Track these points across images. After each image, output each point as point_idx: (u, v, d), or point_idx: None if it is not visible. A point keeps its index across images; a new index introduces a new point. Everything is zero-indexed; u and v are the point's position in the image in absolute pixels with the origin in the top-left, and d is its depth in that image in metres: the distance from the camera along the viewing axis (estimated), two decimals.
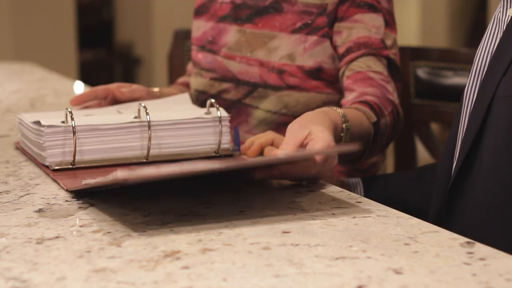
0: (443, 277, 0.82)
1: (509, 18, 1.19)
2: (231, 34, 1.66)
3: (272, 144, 1.40)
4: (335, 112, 1.36)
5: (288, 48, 1.59)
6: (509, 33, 1.16)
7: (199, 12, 1.75)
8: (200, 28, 1.73)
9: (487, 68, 1.19)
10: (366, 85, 1.53)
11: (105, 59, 5.61)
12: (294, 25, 1.60)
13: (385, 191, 1.19)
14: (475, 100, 1.20)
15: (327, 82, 1.59)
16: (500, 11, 1.22)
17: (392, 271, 0.84)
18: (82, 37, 4.87)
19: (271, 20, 1.62)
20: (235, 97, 1.65)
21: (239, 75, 1.64)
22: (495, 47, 1.20)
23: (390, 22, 1.60)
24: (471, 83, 1.23)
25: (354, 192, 1.36)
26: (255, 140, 1.40)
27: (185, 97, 1.59)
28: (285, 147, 1.20)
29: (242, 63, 1.64)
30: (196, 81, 1.71)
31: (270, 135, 1.40)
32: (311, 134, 1.20)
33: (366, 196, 1.20)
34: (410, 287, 0.80)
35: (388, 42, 1.58)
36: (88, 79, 2.92)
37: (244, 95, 1.64)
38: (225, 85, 1.66)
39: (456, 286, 0.80)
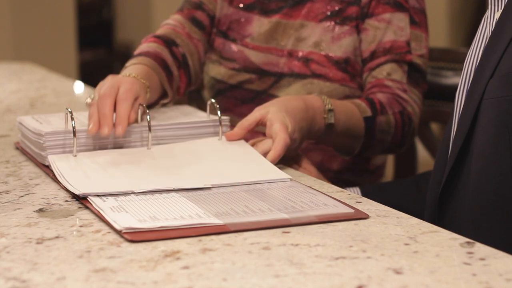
0: (443, 277, 0.82)
1: (496, 20, 1.19)
2: (257, 24, 1.63)
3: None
4: (316, 97, 1.43)
5: (315, 36, 1.58)
6: (496, 36, 1.16)
7: None
8: (223, 8, 1.68)
9: (476, 70, 1.19)
10: (379, 91, 1.55)
11: (105, 59, 5.60)
12: (324, 14, 1.59)
13: (383, 199, 1.19)
14: (464, 103, 1.20)
15: (351, 76, 1.58)
16: (489, 13, 1.22)
17: (392, 271, 0.84)
18: (82, 37, 4.86)
19: (301, 9, 1.60)
20: (259, 87, 1.62)
21: (264, 66, 1.62)
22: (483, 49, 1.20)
23: (418, 21, 1.59)
24: (461, 86, 1.24)
25: None
26: (253, 141, 1.40)
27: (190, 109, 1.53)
28: (237, 128, 1.36)
29: (269, 54, 1.61)
30: (214, 69, 1.67)
31: (269, 143, 1.35)
32: (268, 114, 1.34)
33: None
34: (410, 287, 0.80)
35: (413, 44, 1.57)
36: (88, 79, 2.91)
37: (269, 86, 1.62)
38: (247, 76, 1.63)
39: (456, 286, 0.80)
